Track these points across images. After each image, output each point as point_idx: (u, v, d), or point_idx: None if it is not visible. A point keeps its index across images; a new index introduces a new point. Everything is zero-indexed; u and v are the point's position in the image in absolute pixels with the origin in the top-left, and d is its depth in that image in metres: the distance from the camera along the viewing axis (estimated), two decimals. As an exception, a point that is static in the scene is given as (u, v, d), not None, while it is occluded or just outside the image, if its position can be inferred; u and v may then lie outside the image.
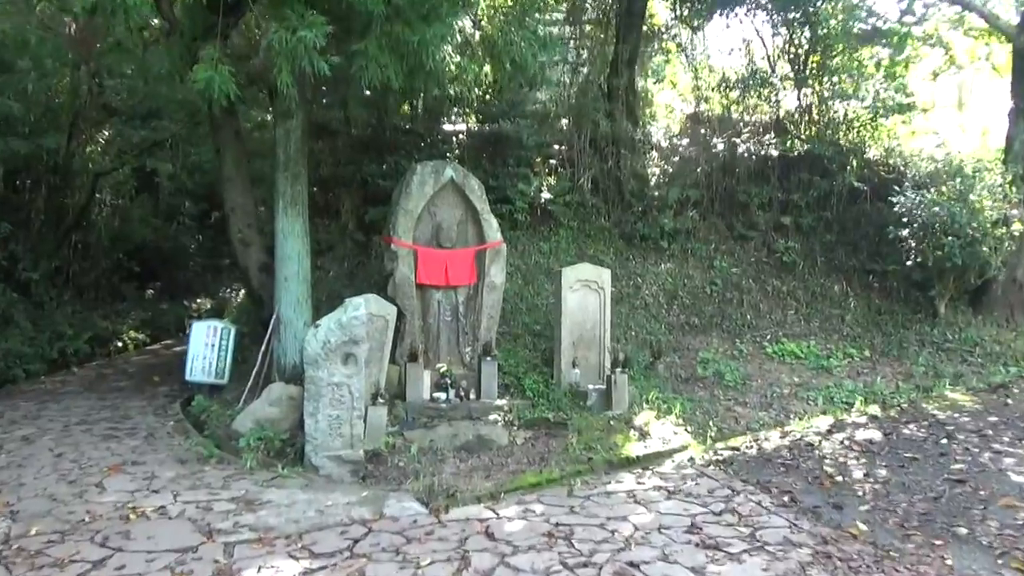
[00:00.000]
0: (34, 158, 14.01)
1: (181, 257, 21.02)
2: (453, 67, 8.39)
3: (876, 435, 7.43)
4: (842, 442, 7.28)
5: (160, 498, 5.93)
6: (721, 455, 7.11)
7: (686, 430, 8.00)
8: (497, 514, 5.63)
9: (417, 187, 9.22)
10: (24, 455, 7.23)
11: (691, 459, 7.04)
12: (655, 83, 15.02)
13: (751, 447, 7.35)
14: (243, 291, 19.20)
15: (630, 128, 12.73)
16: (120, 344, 15.68)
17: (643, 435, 7.89)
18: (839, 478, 6.21)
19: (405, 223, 9.14)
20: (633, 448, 7.49)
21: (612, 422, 8.22)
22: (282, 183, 9.23)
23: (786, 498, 5.75)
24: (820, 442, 7.32)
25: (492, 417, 8.52)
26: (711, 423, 8.20)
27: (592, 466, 7.11)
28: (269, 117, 15.30)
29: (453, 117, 13.39)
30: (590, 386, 8.95)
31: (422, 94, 11.58)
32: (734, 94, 13.17)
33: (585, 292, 9.52)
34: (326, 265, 11.56)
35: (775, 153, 12.39)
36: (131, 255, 18.21)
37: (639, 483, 6.35)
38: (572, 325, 9.40)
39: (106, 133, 17.35)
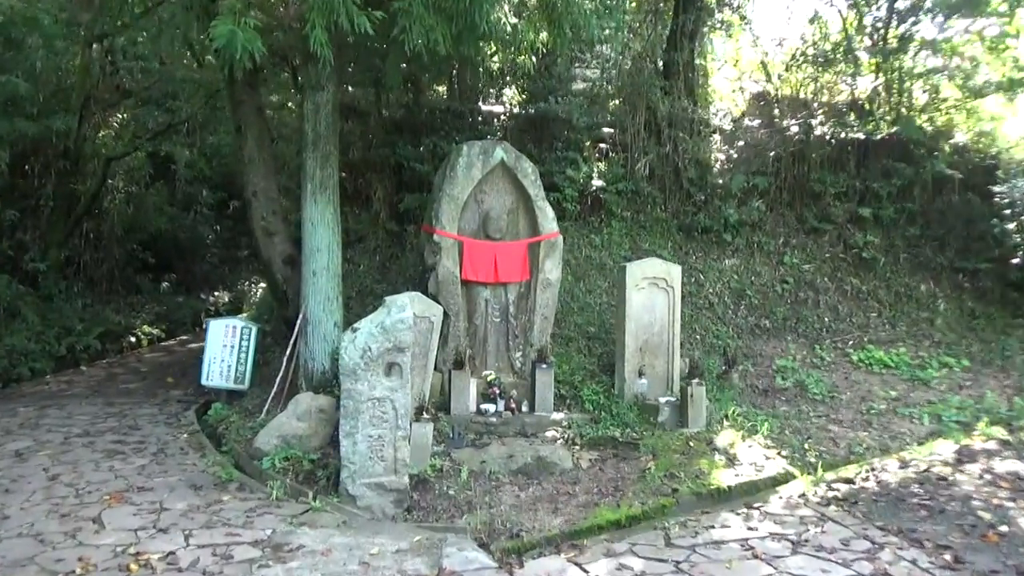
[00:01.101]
0: (43, 141, 13.07)
1: (198, 248, 20.09)
2: (509, 29, 7.26)
3: (1020, 467, 6.24)
4: (981, 476, 6.09)
5: (169, 540, 4.87)
6: (836, 489, 5.95)
7: (779, 454, 6.86)
8: (585, 572, 4.51)
9: (463, 170, 8.10)
10: (14, 476, 6.21)
11: (803, 495, 5.88)
12: (714, 60, 13.78)
13: (867, 479, 6.18)
14: (263, 285, 18.28)
15: (690, 109, 11.52)
16: (133, 339, 14.73)
17: (730, 460, 6.76)
18: (1004, 528, 5.03)
19: (449, 211, 8.03)
20: (722, 476, 6.37)
21: (691, 443, 7.09)
22: (310, 165, 8.16)
23: (947, 556, 4.58)
24: (953, 475, 6.14)
25: (549, 434, 7.44)
26: (807, 445, 7.05)
27: (678, 499, 6.01)
28: (288, 103, 14.32)
29: (493, 97, 12.24)
30: (660, 399, 7.81)
31: (467, 66, 10.45)
32: (806, 71, 11.91)
33: (652, 291, 8.37)
34: (356, 258, 10.48)
35: (852, 137, 11.12)
36: (146, 245, 17.29)
37: (750, 528, 5.20)
38: (637, 328, 8.25)
39: (119, 116, 16.38)
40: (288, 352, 8.03)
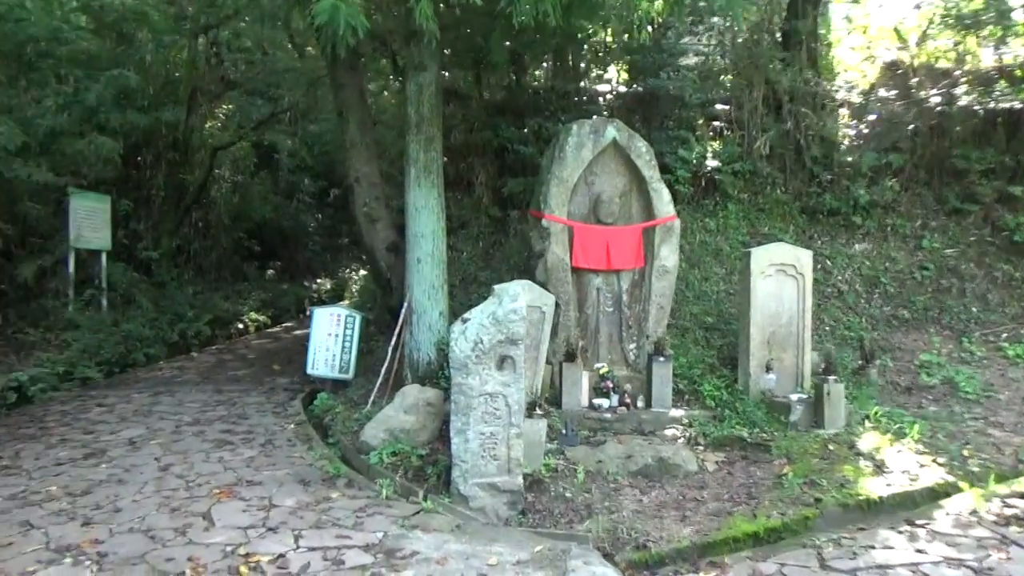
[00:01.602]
0: (153, 132, 13.43)
1: (301, 236, 20.45)
2: (622, -2, 6.73)
3: None
4: None
5: (279, 540, 4.64)
6: (1014, 506, 5.17)
7: (935, 461, 6.08)
8: (733, 597, 4.00)
9: (573, 151, 7.62)
10: (127, 465, 6.19)
11: (974, 512, 5.14)
12: (838, 28, 12.69)
13: (1050, 495, 5.37)
14: (364, 272, 18.38)
15: (813, 81, 10.61)
16: (240, 326, 15.03)
17: (878, 466, 6.04)
18: None
19: (559, 194, 7.58)
20: (871, 485, 5.67)
21: (830, 446, 6.41)
22: (414, 148, 7.86)
23: None
24: None
25: (668, 432, 6.91)
26: (966, 452, 6.24)
27: (822, 510, 5.36)
28: (386, 90, 14.19)
29: (597, 74, 11.67)
30: (792, 396, 7.14)
31: (572, 42, 9.92)
32: (947, 35, 10.77)
33: (780, 278, 7.68)
34: (459, 244, 10.17)
35: (1001, 108, 9.97)
36: (251, 234, 17.67)
37: (918, 551, 4.54)
38: (764, 319, 7.59)
39: (225, 107, 16.73)
40: (393, 342, 7.78)
